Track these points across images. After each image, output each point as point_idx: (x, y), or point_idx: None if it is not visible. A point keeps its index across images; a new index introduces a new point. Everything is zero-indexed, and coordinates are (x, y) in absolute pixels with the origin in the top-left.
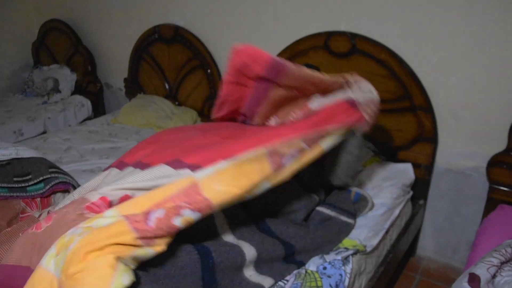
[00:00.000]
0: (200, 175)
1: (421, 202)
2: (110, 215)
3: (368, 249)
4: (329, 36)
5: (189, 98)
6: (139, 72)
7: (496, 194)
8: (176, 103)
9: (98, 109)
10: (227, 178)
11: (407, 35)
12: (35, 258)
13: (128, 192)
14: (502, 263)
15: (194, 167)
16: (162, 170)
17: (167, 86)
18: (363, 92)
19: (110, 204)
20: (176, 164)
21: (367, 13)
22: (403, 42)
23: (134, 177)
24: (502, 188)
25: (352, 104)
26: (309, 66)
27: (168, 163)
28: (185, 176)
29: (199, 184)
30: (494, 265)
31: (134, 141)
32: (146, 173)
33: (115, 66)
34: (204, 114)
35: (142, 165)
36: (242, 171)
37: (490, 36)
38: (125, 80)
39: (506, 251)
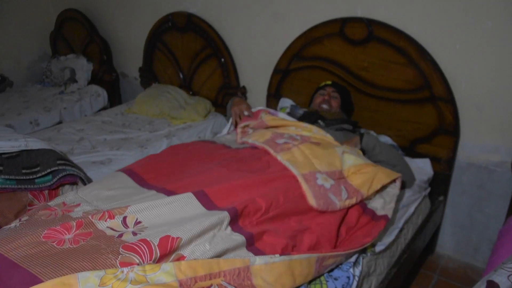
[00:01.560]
0: (255, 261)
1: (441, 198)
2: (167, 271)
3: (378, 249)
4: (344, 22)
5: (203, 88)
6: (154, 61)
7: None
8: (190, 92)
9: (114, 99)
10: (276, 273)
11: (428, 21)
12: (49, 270)
13: (166, 229)
14: None
15: (231, 212)
16: (193, 205)
17: (181, 75)
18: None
19: (152, 249)
20: (205, 200)
21: None
22: (423, 28)
23: (167, 210)
24: None
25: (376, 218)
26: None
27: (195, 194)
28: (240, 257)
29: (252, 270)
30: None
31: (147, 131)
32: (176, 204)
33: (130, 55)
34: (218, 104)
35: (165, 191)
36: (291, 270)
37: None
38: (140, 69)
39: None
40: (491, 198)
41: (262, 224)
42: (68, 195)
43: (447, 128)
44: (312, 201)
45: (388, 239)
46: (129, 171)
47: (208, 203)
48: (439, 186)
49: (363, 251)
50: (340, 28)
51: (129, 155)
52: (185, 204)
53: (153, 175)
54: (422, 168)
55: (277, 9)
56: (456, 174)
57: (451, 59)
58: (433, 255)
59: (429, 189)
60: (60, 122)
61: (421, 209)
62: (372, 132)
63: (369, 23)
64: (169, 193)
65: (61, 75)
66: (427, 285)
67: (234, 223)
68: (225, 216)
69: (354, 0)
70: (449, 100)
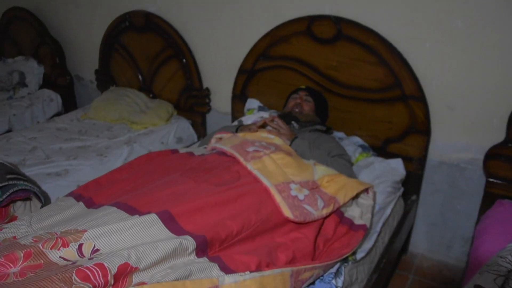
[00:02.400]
0: (224, 280)
1: (414, 197)
2: None
3: (359, 256)
4: (312, 20)
5: (164, 90)
6: (111, 63)
7: (494, 188)
8: (151, 95)
9: (69, 104)
10: None
11: (397, 19)
12: None
13: (126, 255)
14: (509, 271)
15: (198, 240)
16: (157, 228)
17: (140, 78)
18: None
19: (107, 274)
20: (170, 222)
21: None
22: (392, 26)
23: (128, 235)
24: (500, 182)
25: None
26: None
27: (159, 216)
28: (208, 277)
29: None
30: (501, 275)
31: (106, 138)
32: (138, 227)
33: (85, 57)
34: (180, 107)
35: (127, 208)
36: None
37: (487, 19)
38: (96, 72)
39: None
40: (463, 195)
41: (233, 246)
42: (20, 226)
43: (419, 127)
44: (287, 213)
45: (367, 245)
46: (79, 196)
47: (174, 226)
48: (411, 185)
49: (345, 260)
50: (307, 26)
51: (87, 164)
52: (149, 228)
53: (112, 191)
54: (395, 168)
55: (241, 7)
56: (427, 173)
57: (421, 57)
58: (406, 255)
59: (402, 190)
60: (9, 131)
61: (396, 211)
62: (340, 134)
63: (338, 21)
64: (131, 210)
65: (8, 79)
66: (403, 286)
67: (202, 250)
68: (191, 243)
69: None
70: (420, 98)
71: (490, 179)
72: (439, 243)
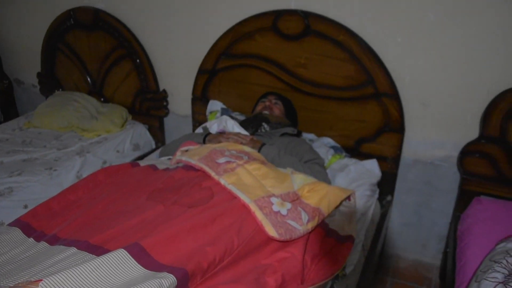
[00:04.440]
0: None
1: (389, 198)
2: None
3: (348, 270)
4: (278, 15)
5: (116, 93)
6: (55, 65)
7: (470, 185)
8: (102, 99)
9: (9, 111)
10: None
11: (368, 12)
12: None
13: None
14: (507, 276)
15: (177, 274)
16: (128, 266)
17: (89, 80)
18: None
19: None
20: (143, 256)
21: None
22: (363, 21)
23: (94, 278)
24: (475, 178)
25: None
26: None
27: (129, 250)
28: None
29: None
30: (500, 282)
31: (54, 149)
32: (106, 267)
33: (25, 59)
34: (135, 111)
35: (90, 247)
36: None
37: (461, 11)
38: (39, 74)
39: (508, 261)
40: (438, 193)
41: (216, 276)
42: None
43: (393, 125)
44: (271, 231)
45: (355, 256)
46: (27, 226)
47: (147, 260)
48: (386, 185)
49: (335, 276)
50: (273, 22)
51: (34, 181)
52: (118, 266)
53: (69, 221)
54: (370, 170)
55: (200, 2)
56: (401, 171)
57: (393, 53)
58: (382, 256)
59: (378, 191)
60: None
61: (374, 215)
62: (311, 136)
63: (305, 16)
64: (95, 249)
65: None
66: None
67: (183, 285)
68: (171, 282)
69: None
70: (394, 95)
71: (466, 176)
72: (414, 242)
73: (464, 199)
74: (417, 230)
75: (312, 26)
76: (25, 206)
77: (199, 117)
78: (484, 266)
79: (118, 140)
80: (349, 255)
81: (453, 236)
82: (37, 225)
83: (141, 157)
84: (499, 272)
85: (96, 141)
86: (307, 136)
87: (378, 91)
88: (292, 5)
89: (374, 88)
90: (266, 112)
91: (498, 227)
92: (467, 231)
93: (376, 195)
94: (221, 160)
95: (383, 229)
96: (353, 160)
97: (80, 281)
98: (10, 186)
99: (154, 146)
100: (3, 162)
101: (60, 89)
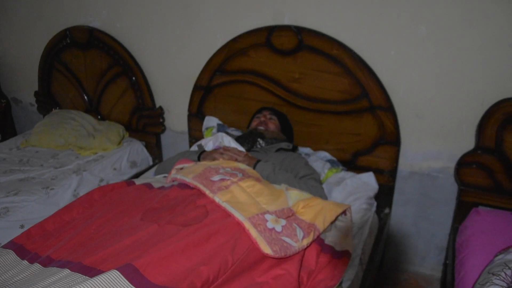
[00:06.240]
0: None
1: (387, 211)
2: None
3: (345, 285)
4: (271, 31)
5: (113, 111)
6: (52, 83)
7: (467, 196)
8: (99, 117)
9: (7, 130)
10: None
11: (361, 27)
12: None
13: None
14: None
15: None
16: (120, 287)
17: (86, 98)
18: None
19: None
20: (136, 277)
21: (314, 3)
22: (356, 35)
23: None
24: (473, 189)
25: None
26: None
27: (122, 271)
28: None
29: None
30: None
31: (52, 167)
32: None
33: (22, 78)
34: (132, 128)
35: (83, 268)
36: None
37: (453, 24)
38: (36, 93)
39: (506, 274)
40: (436, 204)
41: None
42: None
43: (389, 138)
44: (266, 249)
45: (352, 271)
46: (21, 248)
47: (140, 281)
48: (383, 198)
49: None
50: (266, 38)
51: (31, 200)
52: (111, 287)
53: (63, 242)
54: (367, 183)
55: (194, 19)
56: (398, 184)
57: (387, 66)
58: (381, 269)
59: (375, 204)
60: None
61: (372, 228)
62: (307, 150)
63: (299, 31)
64: (88, 270)
65: None
66: None
67: None
68: None
69: (281, 7)
70: (389, 108)
71: (463, 187)
72: (413, 254)
73: (462, 210)
74: (416, 242)
75: (305, 41)
76: (22, 226)
77: (195, 133)
78: (482, 279)
79: (115, 158)
80: (346, 270)
81: (452, 248)
82: (31, 247)
83: (138, 174)
84: (497, 285)
85: (93, 159)
86: (303, 150)
87: (373, 104)
88: (285, 21)
89: (368, 101)
90: (261, 127)
91: (496, 238)
92: (465, 243)
93: (374, 208)
94: (216, 177)
95: (382, 242)
96: (350, 174)
97: None
98: (6, 206)
99: (151, 163)
100: (0, 182)
101: (57, 108)
